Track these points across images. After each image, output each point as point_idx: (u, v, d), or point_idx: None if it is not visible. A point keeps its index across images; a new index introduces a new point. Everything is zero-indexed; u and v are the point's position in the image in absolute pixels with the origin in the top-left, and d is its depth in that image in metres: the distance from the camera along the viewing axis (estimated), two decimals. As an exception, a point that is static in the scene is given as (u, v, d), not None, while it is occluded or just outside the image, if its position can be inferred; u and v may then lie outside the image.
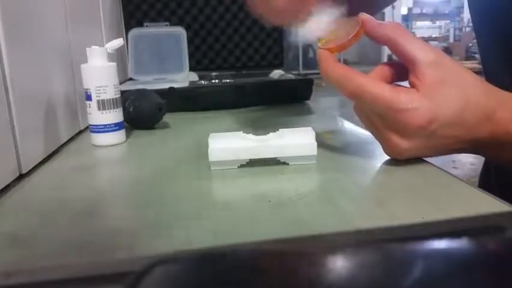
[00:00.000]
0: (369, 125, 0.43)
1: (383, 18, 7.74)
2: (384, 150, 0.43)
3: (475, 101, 0.38)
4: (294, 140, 0.43)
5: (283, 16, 0.45)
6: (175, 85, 0.79)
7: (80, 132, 0.65)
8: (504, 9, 0.50)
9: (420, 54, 0.39)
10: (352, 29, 0.42)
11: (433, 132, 0.38)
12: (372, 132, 0.43)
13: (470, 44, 8.48)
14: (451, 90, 0.38)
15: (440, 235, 0.25)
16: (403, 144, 0.40)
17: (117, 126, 0.56)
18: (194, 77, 1.04)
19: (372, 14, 0.42)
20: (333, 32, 0.44)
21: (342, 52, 0.43)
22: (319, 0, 0.44)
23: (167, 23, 1.15)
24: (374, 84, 0.39)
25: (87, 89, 0.54)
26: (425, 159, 0.44)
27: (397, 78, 0.42)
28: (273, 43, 1.19)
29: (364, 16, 0.41)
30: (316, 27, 0.45)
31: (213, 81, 1.03)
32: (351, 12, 0.43)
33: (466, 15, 10.25)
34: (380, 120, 0.40)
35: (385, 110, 0.38)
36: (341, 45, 0.42)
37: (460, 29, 10.27)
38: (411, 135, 0.39)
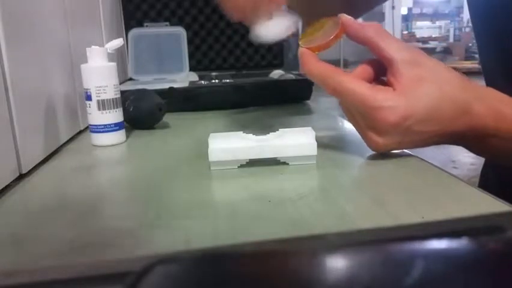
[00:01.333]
0: (352, 121, 0.45)
1: (383, 19, 7.73)
2: (366, 144, 0.44)
3: (451, 97, 0.40)
4: (294, 140, 0.43)
5: (242, 13, 0.46)
6: (175, 85, 0.79)
7: (80, 132, 0.65)
8: (504, 8, 0.50)
9: (397, 54, 0.41)
10: (332, 30, 0.43)
11: (408, 128, 0.40)
12: (355, 127, 0.45)
13: (470, 44, 8.48)
14: (426, 88, 0.40)
15: (440, 235, 0.25)
16: (380, 140, 0.42)
17: (117, 126, 0.56)
18: (194, 77, 1.04)
19: (357, 15, 0.43)
20: (314, 31, 0.46)
21: (321, 51, 0.44)
22: (278, 4, 0.46)
23: (167, 23, 1.15)
24: (353, 81, 0.41)
25: (87, 89, 0.54)
26: (425, 159, 0.44)
27: (379, 75, 0.44)
28: (273, 43, 1.19)
29: (344, 17, 0.43)
30: (274, 29, 0.46)
31: (213, 81, 1.03)
32: (336, 13, 0.44)
33: (466, 15, 10.23)
34: (360, 116, 0.42)
35: (362, 107, 0.40)
36: (321, 45, 0.43)
37: (460, 29, 10.26)
38: (386, 132, 0.41)
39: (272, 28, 0.46)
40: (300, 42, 0.45)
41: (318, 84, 0.43)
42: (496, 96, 0.41)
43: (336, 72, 0.42)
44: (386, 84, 0.42)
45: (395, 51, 0.41)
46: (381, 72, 0.44)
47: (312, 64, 0.43)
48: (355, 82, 0.41)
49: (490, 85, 0.58)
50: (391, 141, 0.41)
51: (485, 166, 0.64)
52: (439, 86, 0.40)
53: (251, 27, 0.47)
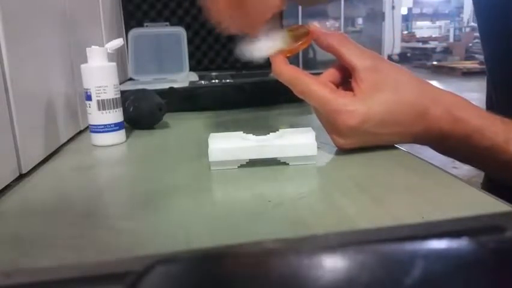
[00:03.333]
0: (320, 120, 0.47)
1: (383, 19, 7.72)
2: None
3: (409, 101, 0.43)
4: (294, 140, 0.43)
5: (226, 19, 0.47)
6: (175, 85, 0.79)
7: (80, 132, 0.65)
8: (504, 8, 0.51)
9: (359, 62, 0.44)
10: (302, 36, 0.47)
11: (366, 131, 0.43)
12: (323, 127, 0.47)
13: (470, 44, 8.47)
14: (384, 93, 0.43)
15: (440, 235, 0.25)
16: (340, 140, 0.45)
17: (117, 126, 0.56)
18: (194, 77, 1.04)
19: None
20: (286, 37, 0.49)
21: (292, 55, 0.48)
22: (264, 22, 0.47)
23: (167, 23, 1.15)
24: (317, 85, 0.44)
25: (87, 89, 0.54)
26: (425, 159, 0.44)
27: (347, 77, 0.46)
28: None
29: (313, 26, 0.47)
30: (260, 50, 0.48)
31: (213, 81, 1.03)
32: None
33: (466, 15, 10.23)
34: (323, 118, 0.45)
35: (324, 110, 0.43)
36: (291, 49, 0.47)
37: (460, 29, 10.26)
38: (346, 133, 0.44)
39: (258, 48, 0.48)
40: None
41: (287, 85, 0.45)
42: (451, 100, 0.43)
43: (303, 76, 0.44)
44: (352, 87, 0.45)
45: (356, 59, 0.44)
46: (349, 75, 0.46)
47: (281, 67, 0.46)
48: (319, 86, 0.44)
49: (493, 84, 0.58)
50: (351, 142, 0.45)
51: None
52: (397, 91, 0.43)
53: (238, 42, 0.49)
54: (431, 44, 9.42)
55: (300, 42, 0.47)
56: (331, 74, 0.47)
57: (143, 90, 0.65)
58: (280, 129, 0.45)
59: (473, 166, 0.47)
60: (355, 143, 0.45)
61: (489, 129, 0.41)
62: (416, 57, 8.87)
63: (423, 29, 11.00)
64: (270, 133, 0.44)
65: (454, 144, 0.43)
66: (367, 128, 0.43)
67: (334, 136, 0.45)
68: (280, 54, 0.47)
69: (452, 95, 0.44)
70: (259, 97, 0.81)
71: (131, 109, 0.62)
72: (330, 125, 0.45)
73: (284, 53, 0.47)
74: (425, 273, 0.18)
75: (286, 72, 0.45)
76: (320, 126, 0.47)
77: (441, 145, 0.45)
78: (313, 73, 0.46)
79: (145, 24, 1.13)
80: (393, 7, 7.87)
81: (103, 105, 0.54)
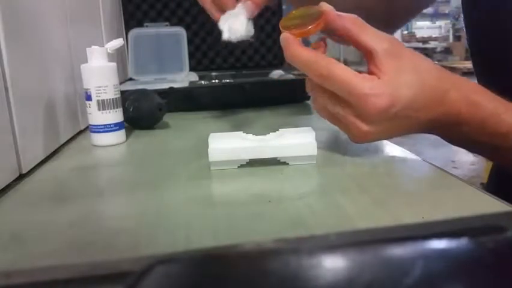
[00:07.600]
0: (330, 116, 0.45)
1: (383, 18, 7.72)
2: (349, 137, 0.44)
3: (430, 86, 0.41)
4: (294, 140, 0.43)
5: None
6: (175, 85, 0.79)
7: (80, 132, 0.65)
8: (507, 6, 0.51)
9: (377, 44, 0.41)
10: (313, 18, 0.42)
11: (395, 115, 0.40)
12: (334, 123, 0.45)
13: (470, 44, 8.45)
14: (408, 75, 0.41)
15: (440, 235, 0.25)
16: (366, 128, 0.41)
17: (117, 126, 0.56)
18: (194, 77, 1.04)
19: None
20: (296, 17, 0.44)
21: (306, 37, 0.44)
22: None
23: (167, 23, 1.15)
24: (340, 67, 0.40)
25: (87, 89, 0.54)
26: (425, 159, 0.44)
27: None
28: (273, 43, 1.19)
29: (326, 6, 0.42)
30: (235, 28, 0.45)
31: (213, 81, 1.03)
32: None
33: (466, 15, 10.20)
34: (343, 107, 0.42)
35: (349, 94, 0.40)
36: (304, 31, 0.42)
37: (460, 29, 10.25)
38: (373, 119, 0.41)
39: (233, 27, 0.46)
40: (280, 27, 0.43)
41: (302, 70, 0.42)
42: (469, 85, 0.43)
43: (322, 57, 0.41)
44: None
45: (375, 42, 0.41)
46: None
47: (295, 49, 0.42)
48: (342, 68, 0.40)
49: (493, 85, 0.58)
50: (376, 129, 0.42)
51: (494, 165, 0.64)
52: (419, 75, 0.41)
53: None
54: (431, 44, 9.42)
55: (312, 25, 0.41)
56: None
57: (143, 90, 0.65)
58: (280, 129, 0.45)
59: (487, 157, 0.46)
60: (379, 131, 0.42)
61: (505, 114, 0.41)
62: (416, 57, 8.85)
63: (424, 29, 11.00)
64: (270, 133, 0.44)
65: (470, 130, 0.42)
66: (396, 112, 0.40)
67: (359, 123, 0.41)
68: (292, 35, 0.42)
69: (468, 81, 0.43)
70: (259, 97, 0.81)
71: (131, 109, 0.62)
72: (354, 112, 0.41)
73: (295, 35, 0.42)
74: (425, 273, 0.18)
75: (301, 54, 0.41)
76: (320, 126, 0.47)
77: (456, 131, 0.43)
78: None
79: (145, 24, 1.13)
80: (393, 7, 7.85)
81: (103, 105, 0.54)
